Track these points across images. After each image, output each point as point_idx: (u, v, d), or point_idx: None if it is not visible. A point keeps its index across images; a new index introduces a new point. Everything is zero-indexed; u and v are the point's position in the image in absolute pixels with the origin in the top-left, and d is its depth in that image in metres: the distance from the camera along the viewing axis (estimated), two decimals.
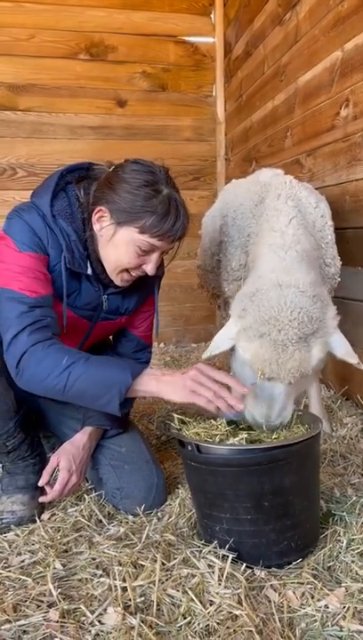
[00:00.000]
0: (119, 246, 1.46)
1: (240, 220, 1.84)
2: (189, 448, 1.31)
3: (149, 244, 1.44)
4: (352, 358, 1.41)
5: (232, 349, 1.46)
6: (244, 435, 1.35)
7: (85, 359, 1.38)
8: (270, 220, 1.58)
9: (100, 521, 1.50)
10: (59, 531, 1.46)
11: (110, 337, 1.89)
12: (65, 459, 1.53)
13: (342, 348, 1.41)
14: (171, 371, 1.44)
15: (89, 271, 1.54)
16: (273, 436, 1.36)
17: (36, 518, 1.52)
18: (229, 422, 1.42)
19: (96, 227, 1.50)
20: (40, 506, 1.59)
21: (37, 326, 1.39)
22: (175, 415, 1.44)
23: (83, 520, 1.50)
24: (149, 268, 1.49)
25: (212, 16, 4.06)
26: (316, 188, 2.21)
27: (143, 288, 1.68)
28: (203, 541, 1.35)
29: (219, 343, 1.46)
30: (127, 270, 1.52)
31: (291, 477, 1.26)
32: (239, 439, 1.33)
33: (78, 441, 1.59)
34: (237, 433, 1.37)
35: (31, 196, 1.55)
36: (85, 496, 1.61)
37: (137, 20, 3.92)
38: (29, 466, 1.63)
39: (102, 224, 1.48)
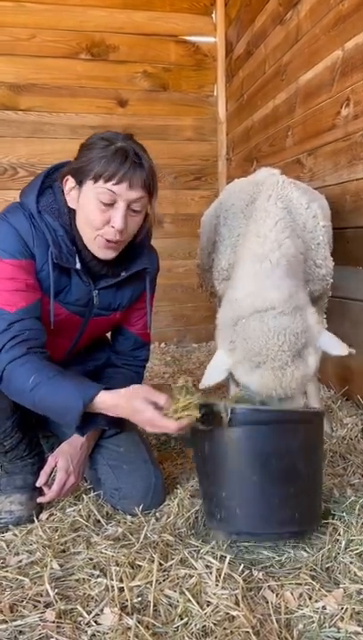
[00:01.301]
0: (84, 206, 1.45)
1: (231, 219, 1.84)
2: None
3: (107, 190, 1.41)
4: (343, 351, 1.44)
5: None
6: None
7: (48, 379, 1.37)
8: (257, 222, 1.57)
9: (99, 521, 1.50)
10: (57, 531, 1.46)
11: (108, 335, 1.88)
12: (63, 459, 1.53)
13: (333, 347, 1.44)
14: (122, 397, 1.39)
15: (78, 265, 1.53)
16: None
17: (34, 518, 1.51)
18: None
19: (69, 201, 1.50)
20: (38, 506, 1.58)
21: (15, 342, 1.39)
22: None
23: (81, 520, 1.49)
24: (117, 222, 1.43)
25: (213, 16, 4.05)
26: (316, 188, 2.21)
27: (136, 283, 1.67)
28: (201, 541, 1.35)
29: (213, 375, 1.48)
30: (100, 233, 1.47)
31: (299, 443, 1.33)
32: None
33: (76, 441, 1.59)
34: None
35: (19, 196, 1.56)
36: (84, 496, 1.61)
37: (138, 20, 3.92)
38: (27, 466, 1.63)
39: (70, 193, 1.48)
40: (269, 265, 1.47)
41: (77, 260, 1.53)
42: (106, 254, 1.51)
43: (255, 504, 1.31)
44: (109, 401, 1.38)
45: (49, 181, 1.55)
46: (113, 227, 1.45)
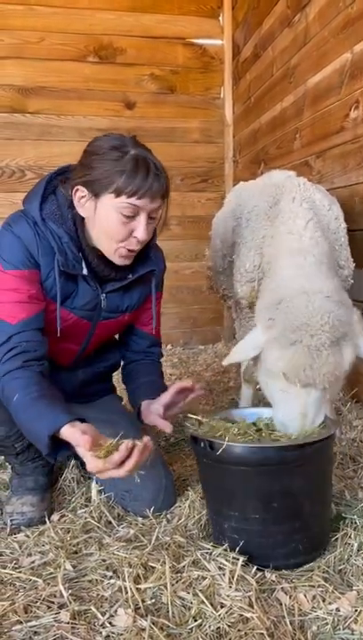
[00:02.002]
0: (103, 219, 1.44)
1: (254, 221, 1.84)
2: (202, 445, 1.31)
3: (130, 205, 1.41)
4: None
5: (255, 360, 1.45)
6: (257, 434, 1.35)
7: (31, 400, 1.34)
8: (287, 223, 1.58)
9: (110, 522, 1.50)
10: (68, 532, 1.46)
11: (117, 336, 1.89)
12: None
13: None
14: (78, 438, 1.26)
15: (85, 271, 1.53)
16: (293, 436, 1.35)
17: (46, 519, 1.52)
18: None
19: (79, 209, 1.48)
20: (50, 507, 1.59)
21: (10, 356, 1.40)
22: (191, 415, 1.44)
23: (92, 522, 1.49)
24: (140, 234, 1.44)
25: (220, 18, 4.07)
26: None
27: (143, 285, 1.68)
28: (212, 543, 1.35)
29: (244, 350, 1.43)
30: (121, 244, 1.48)
31: (301, 479, 1.26)
32: (252, 438, 1.34)
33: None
34: (250, 433, 1.37)
35: (23, 203, 1.55)
36: (95, 498, 1.61)
37: (146, 23, 3.93)
38: (38, 467, 1.63)
39: (83, 203, 1.46)
40: (313, 259, 1.47)
41: (84, 265, 1.54)
42: (125, 262, 1.53)
43: (258, 540, 1.28)
44: (71, 432, 1.26)
45: (51, 187, 1.54)
46: (136, 237, 1.46)
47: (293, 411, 1.35)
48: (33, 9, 3.73)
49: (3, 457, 1.93)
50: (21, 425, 1.38)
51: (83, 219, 1.51)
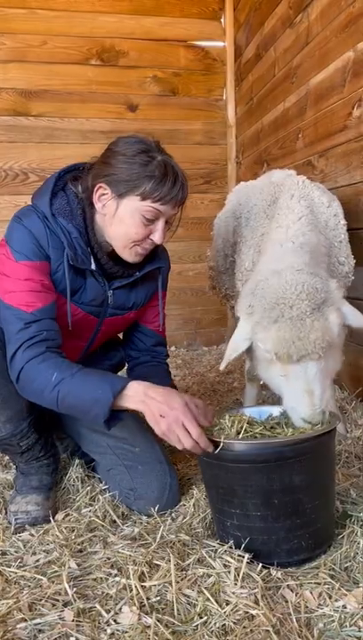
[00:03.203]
0: (124, 219, 1.47)
1: (254, 220, 1.85)
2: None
3: (153, 209, 1.45)
4: None
5: (249, 352, 1.45)
6: (258, 430, 1.34)
7: (72, 375, 1.37)
8: (279, 218, 1.59)
9: (114, 521, 1.50)
10: (73, 531, 1.46)
11: (121, 336, 1.89)
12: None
13: (356, 318, 1.41)
14: (156, 390, 1.35)
15: (93, 266, 1.54)
16: (289, 432, 1.35)
17: (51, 518, 1.52)
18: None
19: (98, 205, 1.50)
20: (54, 506, 1.59)
21: (32, 342, 1.40)
22: None
23: (97, 520, 1.49)
24: (157, 237, 1.50)
25: (222, 20, 4.08)
26: (328, 189, 2.21)
27: (150, 282, 1.69)
28: (218, 541, 1.34)
29: (235, 346, 1.44)
30: (137, 244, 1.51)
31: (301, 475, 1.25)
32: (251, 434, 1.33)
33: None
34: (254, 429, 1.36)
35: (32, 199, 1.57)
36: (100, 497, 1.61)
37: (148, 25, 3.95)
38: (43, 466, 1.63)
39: (104, 201, 1.49)
40: (291, 245, 1.49)
41: (92, 261, 1.55)
42: (136, 259, 1.56)
43: (260, 537, 1.28)
44: (141, 388, 1.34)
45: (61, 184, 1.56)
46: (152, 239, 1.50)
47: (297, 391, 1.32)
48: (35, 12, 3.76)
49: (7, 457, 1.94)
50: (69, 397, 1.36)
51: (92, 215, 1.53)
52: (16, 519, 1.52)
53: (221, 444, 1.27)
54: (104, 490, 1.66)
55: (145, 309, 1.76)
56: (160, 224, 1.49)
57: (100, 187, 1.48)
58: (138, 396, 1.35)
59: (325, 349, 1.31)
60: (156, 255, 1.66)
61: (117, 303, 1.64)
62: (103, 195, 1.49)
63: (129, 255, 1.54)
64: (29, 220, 1.49)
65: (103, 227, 1.53)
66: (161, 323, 1.79)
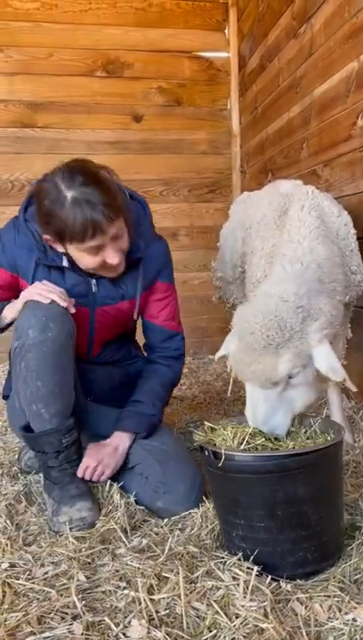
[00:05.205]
0: (75, 256, 1.60)
1: (264, 230, 1.85)
2: (206, 454, 1.33)
3: (89, 246, 1.53)
4: (335, 375, 1.37)
5: None
6: (260, 441, 1.35)
7: None
8: (292, 231, 1.60)
9: (126, 531, 1.49)
10: (86, 541, 1.44)
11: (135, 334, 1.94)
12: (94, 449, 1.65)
13: (324, 363, 1.36)
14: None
15: (65, 263, 1.64)
16: (290, 445, 1.35)
17: (66, 528, 1.49)
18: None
19: (57, 249, 1.63)
20: (100, 511, 1.57)
21: None
22: (206, 423, 1.46)
23: (105, 532, 1.49)
24: (110, 259, 1.56)
25: (226, 31, 4.11)
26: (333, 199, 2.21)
27: (133, 271, 1.71)
28: (226, 553, 1.34)
29: (224, 346, 1.52)
30: (100, 268, 1.61)
31: (305, 486, 1.25)
32: (253, 446, 1.33)
33: (104, 442, 1.68)
34: (256, 440, 1.36)
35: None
36: (109, 506, 1.61)
37: (152, 37, 3.98)
38: (74, 474, 1.61)
39: (56, 246, 1.61)
40: (299, 266, 1.50)
41: (65, 259, 1.64)
42: (112, 275, 1.67)
43: (265, 548, 1.27)
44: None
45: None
46: (111, 263, 1.58)
47: (248, 404, 1.40)
48: (40, 26, 3.80)
49: (16, 466, 1.94)
50: None
51: None
52: (71, 528, 1.49)
53: (223, 456, 1.27)
54: (122, 494, 1.64)
55: (147, 303, 1.80)
56: (108, 249, 1.56)
57: (47, 238, 1.60)
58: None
59: (265, 383, 1.34)
60: (138, 246, 1.69)
61: (104, 292, 1.70)
62: (53, 242, 1.60)
63: (104, 274, 1.65)
64: (4, 231, 1.70)
65: None
66: (167, 315, 1.81)
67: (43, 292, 1.53)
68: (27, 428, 1.61)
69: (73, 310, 1.57)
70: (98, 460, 1.62)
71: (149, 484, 1.61)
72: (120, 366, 1.87)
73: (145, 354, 1.93)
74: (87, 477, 1.61)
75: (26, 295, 1.57)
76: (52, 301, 1.52)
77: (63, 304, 1.53)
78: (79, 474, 1.61)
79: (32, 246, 1.63)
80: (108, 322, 1.76)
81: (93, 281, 1.68)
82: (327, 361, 1.37)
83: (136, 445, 1.68)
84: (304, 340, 1.35)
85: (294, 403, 1.41)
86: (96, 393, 1.82)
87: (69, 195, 1.49)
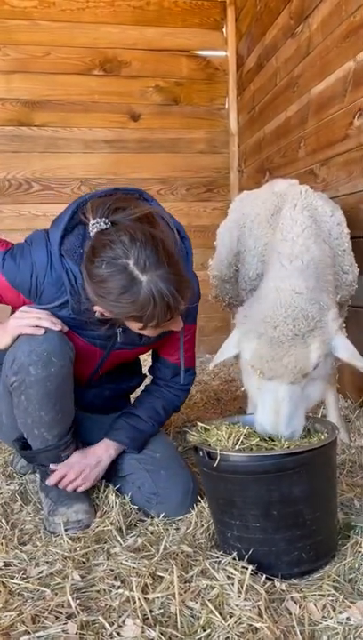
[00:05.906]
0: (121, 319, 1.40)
1: (257, 229, 1.85)
2: (201, 454, 1.32)
3: (149, 328, 1.38)
4: (358, 361, 1.42)
5: (237, 359, 1.49)
6: (254, 441, 1.34)
7: None
8: (284, 230, 1.60)
9: (121, 531, 1.49)
10: (80, 541, 1.45)
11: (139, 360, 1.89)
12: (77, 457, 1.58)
13: (346, 351, 1.42)
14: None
15: (97, 315, 1.43)
16: (285, 444, 1.35)
17: (62, 529, 1.49)
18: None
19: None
20: (95, 512, 1.57)
21: None
22: (199, 423, 1.45)
23: (100, 531, 1.49)
24: (154, 334, 1.44)
25: (224, 30, 4.10)
26: (330, 198, 2.21)
27: None
28: (221, 552, 1.34)
29: (224, 350, 1.51)
30: None
31: (300, 486, 1.25)
32: (248, 446, 1.33)
33: (90, 450, 1.62)
34: (251, 440, 1.36)
35: (51, 224, 1.50)
36: (104, 507, 1.60)
37: (150, 36, 3.98)
38: None
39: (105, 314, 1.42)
40: (299, 263, 1.50)
41: (97, 312, 1.43)
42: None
43: (261, 548, 1.27)
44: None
45: (79, 216, 1.43)
46: (151, 335, 1.46)
47: (266, 407, 1.35)
48: (38, 24, 3.79)
49: (11, 468, 1.94)
50: None
51: None
52: (67, 529, 1.49)
53: (219, 456, 1.27)
54: (117, 494, 1.64)
55: (165, 341, 1.65)
56: (161, 327, 1.39)
57: (100, 312, 1.41)
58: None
59: (297, 376, 1.33)
60: None
61: (127, 340, 1.56)
62: (104, 314, 1.41)
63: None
64: (37, 251, 1.45)
65: None
66: (185, 354, 1.65)
67: (32, 321, 1.41)
68: (22, 444, 1.59)
69: (66, 329, 1.46)
70: (78, 471, 1.56)
71: (141, 493, 1.61)
72: (115, 383, 1.80)
73: (145, 372, 1.86)
74: (61, 487, 1.55)
75: (15, 330, 1.43)
76: (46, 330, 1.42)
77: (56, 328, 1.43)
78: (51, 481, 1.55)
79: (61, 285, 1.43)
80: (118, 361, 1.70)
81: (119, 329, 1.51)
82: (349, 349, 1.41)
83: (126, 454, 1.65)
84: (325, 330, 1.38)
85: (310, 398, 1.42)
86: (86, 404, 1.73)
87: (142, 278, 1.28)
